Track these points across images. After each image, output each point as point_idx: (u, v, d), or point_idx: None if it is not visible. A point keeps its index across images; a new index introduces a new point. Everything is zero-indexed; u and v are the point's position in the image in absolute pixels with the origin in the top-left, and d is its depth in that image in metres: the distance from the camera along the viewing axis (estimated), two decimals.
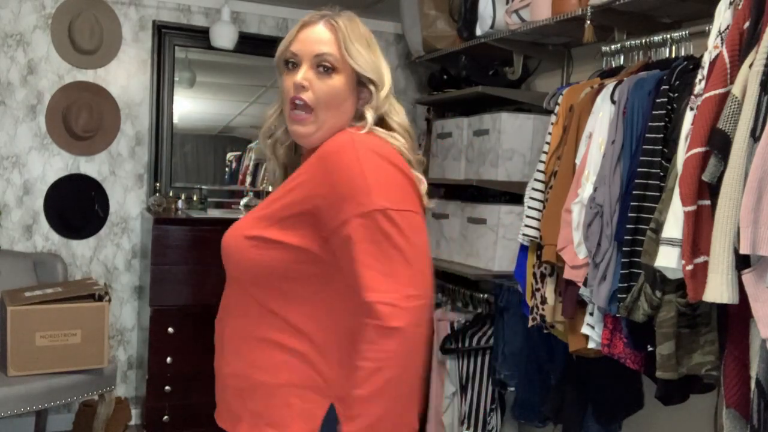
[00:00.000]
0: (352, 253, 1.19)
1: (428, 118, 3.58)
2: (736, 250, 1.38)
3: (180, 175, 3.57)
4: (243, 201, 3.50)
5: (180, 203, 3.40)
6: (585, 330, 2.02)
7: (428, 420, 2.90)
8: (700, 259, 1.51)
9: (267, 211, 1.31)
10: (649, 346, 1.83)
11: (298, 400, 1.27)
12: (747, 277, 1.37)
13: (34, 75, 3.28)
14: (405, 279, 1.15)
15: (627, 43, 2.18)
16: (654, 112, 1.81)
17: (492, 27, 2.75)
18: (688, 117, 1.61)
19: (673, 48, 2.04)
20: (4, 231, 3.28)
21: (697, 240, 1.52)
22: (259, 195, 3.55)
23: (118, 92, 3.43)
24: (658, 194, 1.75)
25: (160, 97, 3.48)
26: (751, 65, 1.44)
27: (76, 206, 3.37)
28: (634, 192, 1.81)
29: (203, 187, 3.61)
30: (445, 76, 3.21)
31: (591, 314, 2.01)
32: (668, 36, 2.04)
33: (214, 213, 3.35)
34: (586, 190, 1.97)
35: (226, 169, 3.73)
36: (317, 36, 1.33)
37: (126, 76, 3.45)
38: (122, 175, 3.47)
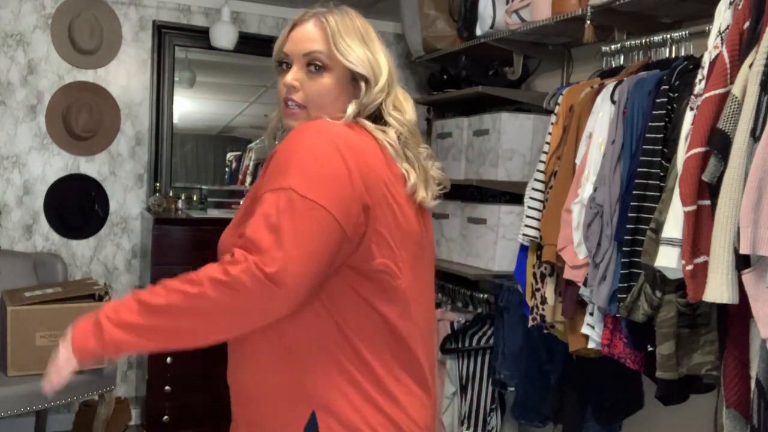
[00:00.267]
0: (248, 218, 1.17)
1: (428, 118, 3.58)
2: (736, 250, 1.38)
3: (180, 175, 3.57)
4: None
5: (180, 203, 3.40)
6: (585, 330, 2.02)
7: None
8: (700, 259, 1.51)
9: (242, 209, 1.31)
10: (649, 346, 1.83)
11: (283, 407, 1.26)
12: (747, 277, 1.37)
13: (34, 75, 3.28)
14: (273, 255, 1.10)
15: (627, 43, 2.18)
16: (654, 112, 1.81)
17: (492, 27, 2.75)
18: (688, 117, 1.61)
19: (673, 48, 2.04)
20: (4, 231, 3.28)
21: (697, 240, 1.52)
22: None
23: (118, 92, 3.43)
24: (658, 194, 1.75)
25: (160, 97, 3.48)
26: (751, 65, 1.43)
27: (76, 206, 3.38)
28: (634, 192, 1.81)
29: (203, 187, 3.61)
30: (445, 76, 3.21)
31: (591, 314, 2.01)
32: (668, 36, 2.04)
33: (214, 213, 3.35)
34: (586, 190, 1.97)
35: (226, 169, 3.73)
36: (306, 35, 1.32)
37: (126, 76, 3.45)
38: (122, 175, 3.47)
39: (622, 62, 2.23)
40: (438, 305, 3.01)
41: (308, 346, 1.25)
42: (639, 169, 1.81)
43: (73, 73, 3.34)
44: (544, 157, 2.25)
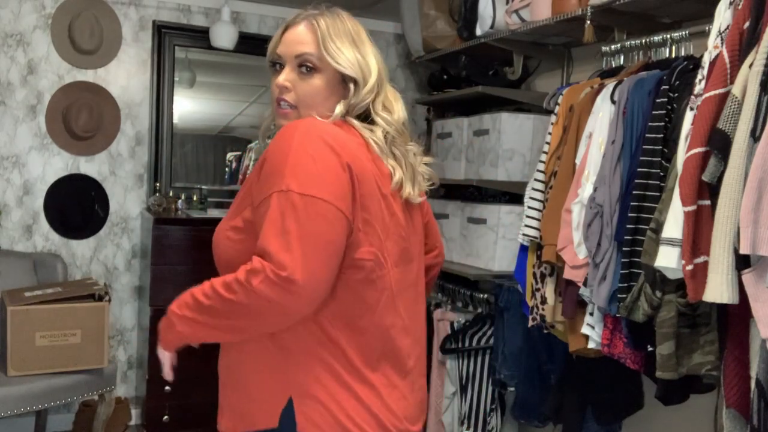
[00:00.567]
0: (259, 228, 1.23)
1: (428, 118, 3.59)
2: (736, 250, 1.38)
3: (180, 175, 3.57)
4: None
5: (180, 203, 3.40)
6: (585, 330, 2.02)
7: (428, 420, 2.90)
8: (700, 259, 1.51)
9: (234, 203, 1.37)
10: (649, 346, 1.83)
11: (264, 393, 1.32)
12: (747, 277, 1.37)
13: (34, 75, 3.28)
14: (283, 259, 1.16)
15: (627, 43, 2.18)
16: (654, 112, 1.81)
17: (492, 27, 2.75)
18: (688, 117, 1.61)
19: (673, 48, 2.04)
20: (4, 231, 3.28)
21: (697, 240, 1.52)
22: None
23: (118, 92, 3.43)
24: (658, 194, 1.75)
25: (160, 97, 3.48)
26: (751, 65, 1.43)
27: (76, 206, 3.38)
28: (634, 192, 1.81)
29: (203, 187, 3.61)
30: (445, 76, 3.21)
31: (591, 314, 2.01)
32: (668, 36, 2.04)
33: (214, 213, 3.35)
34: (586, 190, 1.97)
35: (226, 169, 3.73)
36: (298, 37, 1.37)
37: (126, 76, 3.45)
38: (122, 175, 3.47)
39: (622, 62, 2.23)
40: (438, 305, 3.01)
41: (290, 336, 1.30)
42: (639, 169, 1.81)
43: (73, 73, 3.34)
44: (544, 157, 2.25)
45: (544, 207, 2.20)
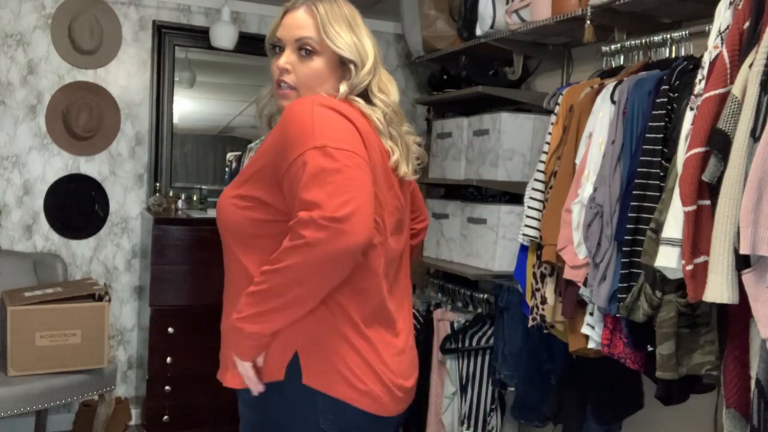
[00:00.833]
0: (295, 187, 1.27)
1: (428, 118, 3.59)
2: (736, 250, 1.38)
3: (180, 175, 3.57)
4: None
5: (180, 203, 3.40)
6: (585, 330, 2.02)
7: (428, 420, 2.90)
8: (700, 259, 1.51)
9: (245, 172, 1.42)
10: (649, 346, 1.83)
11: (270, 348, 1.37)
12: (747, 277, 1.37)
13: (34, 75, 3.28)
14: (331, 204, 1.22)
15: (627, 43, 2.18)
16: (654, 112, 1.81)
17: (492, 27, 2.75)
18: (688, 117, 1.61)
19: (673, 48, 2.04)
20: (4, 231, 3.28)
21: (697, 240, 1.52)
22: None
23: (118, 92, 3.43)
24: (658, 194, 1.75)
25: (160, 97, 3.48)
26: (751, 65, 1.43)
27: (76, 206, 3.37)
28: (634, 192, 1.81)
29: (203, 187, 3.61)
30: (445, 76, 3.21)
31: (591, 314, 2.01)
32: (668, 36, 2.04)
33: (213, 213, 3.34)
34: (586, 190, 1.97)
35: (226, 169, 3.72)
36: (297, 21, 1.44)
37: (126, 76, 3.45)
38: (122, 175, 3.47)
39: (622, 62, 2.23)
40: (438, 305, 3.01)
41: None
42: (639, 169, 1.81)
43: (73, 73, 3.34)
44: (544, 157, 2.25)
45: (544, 207, 2.20)
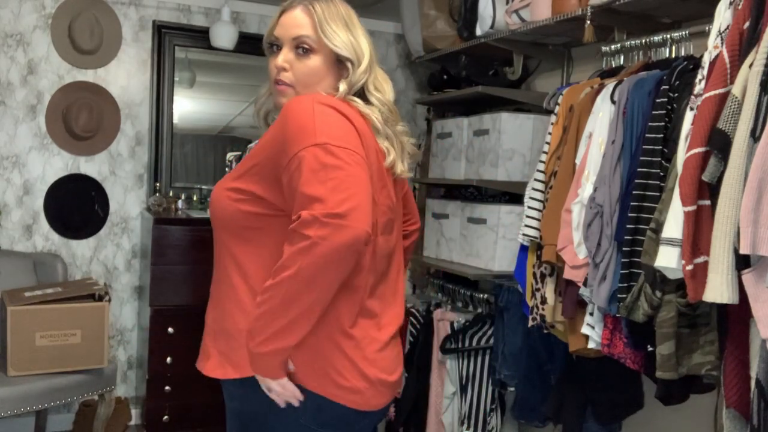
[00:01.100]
0: (295, 182, 1.28)
1: (428, 118, 3.59)
2: (736, 250, 1.38)
3: (180, 175, 3.57)
4: None
5: (180, 203, 3.40)
6: (585, 330, 2.02)
7: (428, 420, 2.90)
8: (700, 259, 1.51)
9: (242, 166, 1.44)
10: (649, 346, 1.83)
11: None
12: (747, 277, 1.37)
13: (34, 75, 3.28)
14: (333, 201, 1.23)
15: (627, 43, 2.18)
16: (654, 112, 1.81)
17: (492, 27, 2.75)
18: (688, 117, 1.61)
19: (673, 48, 2.04)
20: (4, 231, 3.28)
21: (697, 240, 1.52)
22: None
23: (118, 92, 3.43)
24: (658, 194, 1.75)
25: (160, 97, 3.48)
26: (751, 65, 1.43)
27: (76, 206, 3.37)
28: (634, 192, 1.81)
29: (203, 187, 3.60)
30: (445, 76, 3.21)
31: (591, 314, 2.01)
32: (668, 36, 2.04)
33: None
34: (586, 190, 1.97)
35: (226, 169, 3.71)
36: (295, 20, 1.46)
37: (126, 76, 3.45)
38: (122, 175, 3.47)
39: (622, 62, 2.23)
40: (438, 305, 3.01)
41: None
42: (639, 169, 1.81)
43: (73, 73, 3.34)
44: (544, 157, 2.25)
45: (544, 207, 2.20)
